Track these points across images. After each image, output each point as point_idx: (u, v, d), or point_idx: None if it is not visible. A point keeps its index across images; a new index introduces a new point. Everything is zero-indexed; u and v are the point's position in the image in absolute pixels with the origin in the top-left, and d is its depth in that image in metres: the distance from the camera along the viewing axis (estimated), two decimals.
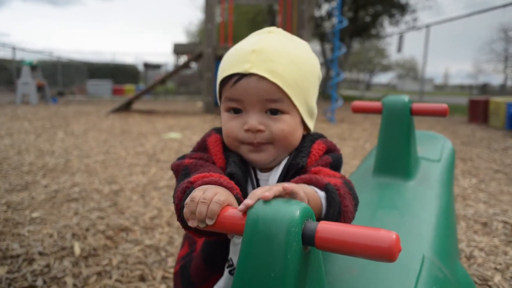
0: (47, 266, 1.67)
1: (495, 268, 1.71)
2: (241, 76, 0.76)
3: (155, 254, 1.81)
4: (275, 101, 0.76)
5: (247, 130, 0.77)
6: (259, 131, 0.77)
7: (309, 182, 0.65)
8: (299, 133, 0.82)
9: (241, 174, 0.78)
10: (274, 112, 0.77)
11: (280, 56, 0.76)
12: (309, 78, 0.80)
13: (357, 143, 5.05)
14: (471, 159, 4.13)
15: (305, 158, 0.80)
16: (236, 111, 0.79)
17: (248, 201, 0.51)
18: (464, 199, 2.70)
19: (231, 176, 0.76)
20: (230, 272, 0.85)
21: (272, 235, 0.49)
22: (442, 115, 1.17)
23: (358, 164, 3.48)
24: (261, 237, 0.49)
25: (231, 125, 0.79)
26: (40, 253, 1.78)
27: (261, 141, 0.78)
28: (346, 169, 3.51)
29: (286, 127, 0.78)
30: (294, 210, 0.50)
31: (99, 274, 1.62)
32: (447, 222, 1.07)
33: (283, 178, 0.80)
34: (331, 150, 0.84)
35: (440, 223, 1.02)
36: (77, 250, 1.82)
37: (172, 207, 2.37)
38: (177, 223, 2.13)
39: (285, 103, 0.77)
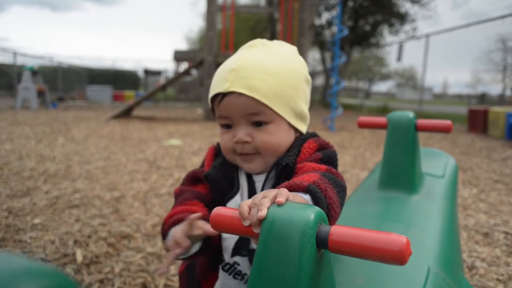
0: None
1: (498, 279, 1.71)
2: (223, 95, 0.83)
3: (157, 261, 1.81)
4: (256, 114, 0.82)
5: (237, 142, 0.84)
6: (246, 142, 0.84)
7: (290, 189, 0.67)
8: (287, 138, 0.87)
9: (220, 174, 0.89)
10: (258, 123, 0.83)
11: (257, 71, 0.82)
12: (291, 85, 0.85)
13: (357, 152, 5.06)
14: (471, 169, 4.14)
15: (292, 157, 0.84)
16: (227, 126, 0.87)
17: (260, 214, 0.53)
18: (464, 209, 2.70)
19: (206, 178, 0.89)
20: (223, 268, 0.91)
21: (288, 237, 0.51)
22: (446, 131, 1.19)
23: (363, 177, 3.46)
24: (277, 239, 0.51)
25: (224, 139, 0.87)
26: (42, 260, 1.77)
27: (248, 152, 0.85)
28: (347, 178, 3.51)
29: (270, 137, 0.84)
30: (309, 213, 0.52)
31: (101, 281, 1.62)
32: (451, 235, 1.08)
33: (268, 176, 0.86)
34: (323, 147, 0.88)
35: (444, 236, 1.03)
36: (79, 257, 1.82)
37: None
38: None
39: (267, 114, 0.82)
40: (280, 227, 0.52)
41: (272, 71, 0.82)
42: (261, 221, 0.53)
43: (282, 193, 0.56)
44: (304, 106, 0.89)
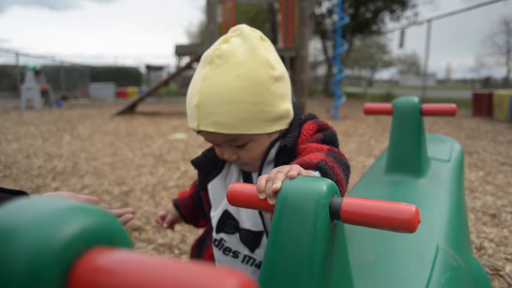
0: None
1: (506, 258, 1.72)
2: (197, 130, 0.85)
3: (168, 252, 1.84)
4: (232, 141, 0.84)
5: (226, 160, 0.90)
6: (234, 159, 0.88)
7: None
8: (269, 142, 0.88)
9: (204, 160, 0.97)
10: (238, 146, 0.85)
11: (218, 104, 0.78)
12: (255, 101, 0.80)
13: (362, 139, 5.07)
14: (477, 152, 4.14)
15: (292, 139, 0.85)
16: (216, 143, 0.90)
17: (275, 186, 0.56)
18: (471, 192, 2.71)
19: (192, 163, 0.99)
20: (214, 243, 0.97)
21: (302, 207, 0.53)
22: (451, 115, 1.20)
23: (369, 164, 3.46)
24: (292, 209, 0.54)
25: (216, 151, 0.91)
26: None
27: (238, 163, 0.90)
28: (353, 165, 3.52)
29: (253, 152, 0.86)
30: (322, 185, 0.54)
31: None
32: (458, 216, 1.10)
33: (264, 159, 0.88)
34: (323, 128, 0.89)
35: (452, 216, 1.04)
36: None
37: None
38: None
39: (242, 138, 0.83)
40: (294, 198, 0.54)
41: (232, 98, 0.78)
42: (276, 193, 0.56)
43: (294, 167, 0.59)
44: (280, 106, 0.84)
